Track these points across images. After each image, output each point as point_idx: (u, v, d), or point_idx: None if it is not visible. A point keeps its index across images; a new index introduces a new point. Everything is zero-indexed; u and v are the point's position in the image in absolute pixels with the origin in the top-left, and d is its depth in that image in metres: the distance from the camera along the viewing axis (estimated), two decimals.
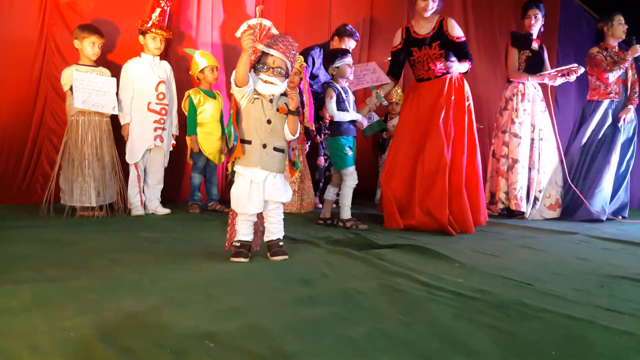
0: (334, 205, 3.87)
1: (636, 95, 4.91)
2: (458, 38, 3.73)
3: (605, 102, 4.90)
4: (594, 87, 4.96)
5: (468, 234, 3.53)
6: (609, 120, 4.88)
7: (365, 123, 3.74)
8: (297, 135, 2.42)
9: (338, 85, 3.61)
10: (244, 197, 2.30)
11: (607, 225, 4.52)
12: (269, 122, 2.31)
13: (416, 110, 3.80)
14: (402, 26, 3.96)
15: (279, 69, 2.31)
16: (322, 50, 4.95)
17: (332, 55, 3.69)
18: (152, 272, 2.00)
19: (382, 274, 2.16)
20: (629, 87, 4.92)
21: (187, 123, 4.08)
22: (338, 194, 3.76)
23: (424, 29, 3.79)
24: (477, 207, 3.77)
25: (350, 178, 3.59)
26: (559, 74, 4.70)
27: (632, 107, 4.88)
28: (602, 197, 4.75)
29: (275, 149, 2.34)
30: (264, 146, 2.30)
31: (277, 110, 2.35)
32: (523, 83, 4.77)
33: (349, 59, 3.64)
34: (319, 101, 4.74)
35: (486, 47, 6.53)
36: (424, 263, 2.42)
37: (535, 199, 4.74)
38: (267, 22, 2.31)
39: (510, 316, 1.68)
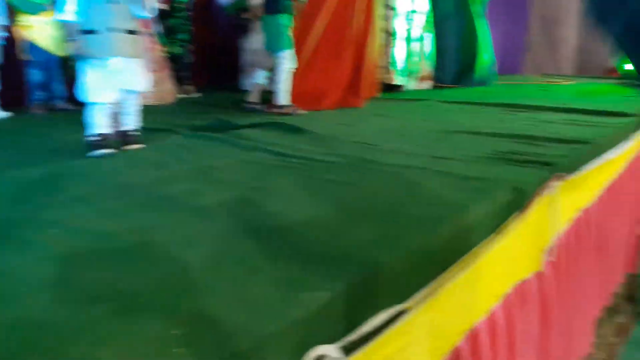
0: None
1: None
2: None
3: None
4: None
5: (329, 110, 3.69)
6: None
7: None
8: (152, 12, 2.23)
9: None
10: (97, 86, 2.11)
11: (458, 90, 4.93)
12: (110, 1, 2.08)
13: None
14: None
15: None
16: None
17: None
18: None
19: (240, 151, 2.22)
20: None
21: (14, 8, 3.58)
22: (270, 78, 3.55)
23: None
24: (373, 82, 4.12)
25: (287, 61, 3.38)
26: None
27: None
28: (486, 62, 5.14)
29: (126, 31, 2.13)
30: (112, 30, 2.09)
31: None
32: None
33: None
34: None
35: None
36: (281, 137, 2.51)
37: (410, 71, 4.94)
38: None
39: (355, 171, 1.85)
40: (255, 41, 5.16)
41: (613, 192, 2.17)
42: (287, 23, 3.39)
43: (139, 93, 2.31)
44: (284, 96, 3.50)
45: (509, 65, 7.46)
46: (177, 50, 4.59)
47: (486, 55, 5.31)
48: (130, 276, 1.04)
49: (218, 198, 1.53)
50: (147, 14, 2.24)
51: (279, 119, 3.07)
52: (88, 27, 2.09)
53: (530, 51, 8.12)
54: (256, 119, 3.12)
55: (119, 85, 2.17)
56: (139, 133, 2.36)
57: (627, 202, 2.48)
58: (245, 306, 0.91)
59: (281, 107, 3.50)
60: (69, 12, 2.09)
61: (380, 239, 1.22)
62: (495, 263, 1.31)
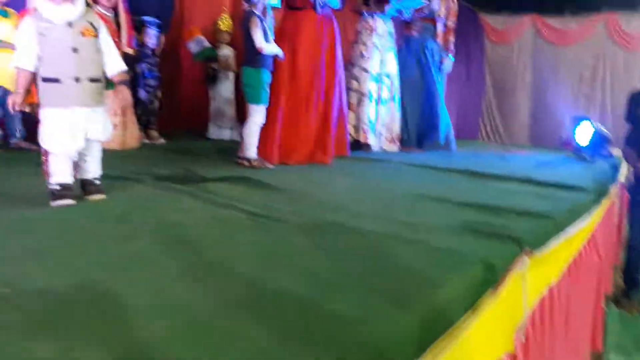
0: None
1: (451, 43, 5.42)
2: None
3: (412, 39, 5.35)
4: (406, 22, 5.36)
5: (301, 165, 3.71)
6: (418, 56, 5.34)
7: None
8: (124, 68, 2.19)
9: (259, 13, 3.32)
10: (59, 135, 2.00)
11: (421, 153, 5.05)
12: (75, 50, 1.99)
13: (296, 42, 3.81)
14: None
15: None
16: None
17: None
18: None
19: (208, 206, 2.15)
20: (439, 30, 5.38)
21: None
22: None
23: None
24: (344, 141, 4.18)
25: (260, 115, 3.43)
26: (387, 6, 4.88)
27: (450, 57, 5.43)
28: (445, 127, 5.30)
29: (91, 79, 2.04)
30: (77, 80, 1.99)
31: (82, 34, 2.02)
32: (372, 17, 4.89)
33: None
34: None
35: None
36: (251, 194, 2.46)
37: (380, 133, 5.05)
38: None
39: (326, 235, 1.81)
40: (224, 90, 5.21)
41: (577, 267, 2.22)
42: (267, 78, 3.47)
43: (101, 141, 2.21)
44: (253, 149, 3.50)
45: (466, 130, 7.76)
46: (144, 95, 4.52)
47: (445, 120, 5.50)
48: (92, 348, 0.95)
49: (185, 260, 1.46)
50: (123, 68, 2.17)
51: (248, 173, 3.03)
52: (51, 75, 1.99)
53: (486, 118, 8.48)
54: (224, 172, 3.06)
55: (82, 135, 2.06)
56: (100, 182, 2.24)
57: (591, 277, 2.54)
58: None
59: (250, 159, 3.48)
60: (29, 61, 1.99)
61: (356, 316, 1.17)
62: (472, 344, 1.28)
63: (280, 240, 1.72)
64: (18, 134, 3.74)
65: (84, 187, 2.20)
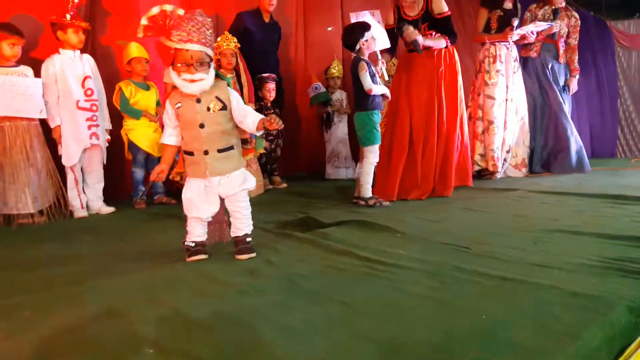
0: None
1: (575, 61, 5.10)
2: (440, 14, 3.87)
3: (530, 60, 5.09)
4: (524, 44, 5.12)
5: (418, 200, 3.72)
6: (538, 77, 5.06)
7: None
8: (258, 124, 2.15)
9: (366, 58, 3.54)
10: (198, 201, 2.17)
11: (550, 178, 4.72)
12: (201, 126, 2.09)
13: (411, 80, 3.94)
14: (393, 5, 4.08)
15: (200, 62, 2.04)
16: (252, 13, 4.86)
17: (360, 28, 3.54)
18: (92, 280, 1.96)
19: (326, 254, 2.20)
20: (561, 50, 5.07)
21: (123, 114, 3.97)
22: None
23: (413, 10, 3.93)
24: (467, 171, 4.14)
25: (374, 155, 3.56)
26: (511, 34, 4.72)
27: (577, 76, 5.11)
28: (576, 148, 5.03)
29: (219, 150, 2.13)
30: (206, 152, 2.11)
31: (208, 109, 2.10)
32: (494, 44, 4.82)
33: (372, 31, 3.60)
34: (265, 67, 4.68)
35: None
36: (367, 238, 2.47)
37: (504, 159, 4.89)
38: (181, 12, 2.11)
39: (446, 283, 1.75)
40: (339, 132, 5.37)
41: None
42: (378, 119, 3.56)
43: (247, 193, 2.26)
44: (368, 187, 3.56)
45: (601, 148, 7.09)
46: (267, 145, 4.81)
47: (575, 140, 5.10)
48: None
49: (305, 315, 1.50)
50: (259, 132, 2.20)
51: (364, 215, 3.06)
52: (186, 149, 2.17)
53: (626, 130, 7.70)
54: (341, 215, 3.12)
55: (216, 199, 2.20)
56: (250, 239, 2.25)
57: None
58: None
59: (366, 199, 3.52)
60: (171, 137, 2.22)
61: None
62: None
63: (396, 289, 1.70)
64: (160, 191, 4.17)
65: (236, 244, 2.24)
